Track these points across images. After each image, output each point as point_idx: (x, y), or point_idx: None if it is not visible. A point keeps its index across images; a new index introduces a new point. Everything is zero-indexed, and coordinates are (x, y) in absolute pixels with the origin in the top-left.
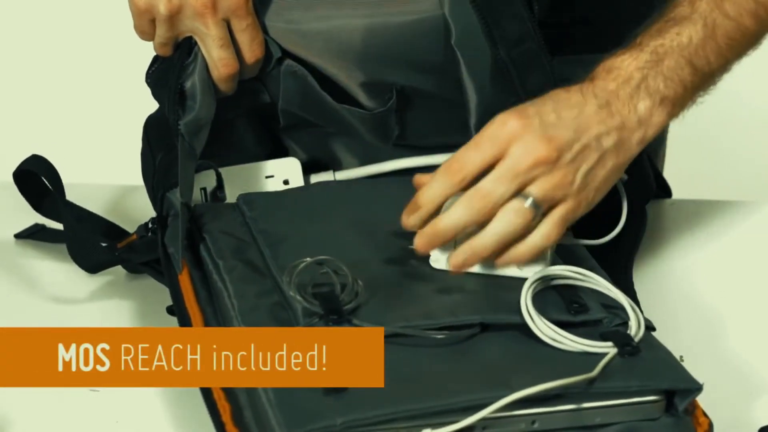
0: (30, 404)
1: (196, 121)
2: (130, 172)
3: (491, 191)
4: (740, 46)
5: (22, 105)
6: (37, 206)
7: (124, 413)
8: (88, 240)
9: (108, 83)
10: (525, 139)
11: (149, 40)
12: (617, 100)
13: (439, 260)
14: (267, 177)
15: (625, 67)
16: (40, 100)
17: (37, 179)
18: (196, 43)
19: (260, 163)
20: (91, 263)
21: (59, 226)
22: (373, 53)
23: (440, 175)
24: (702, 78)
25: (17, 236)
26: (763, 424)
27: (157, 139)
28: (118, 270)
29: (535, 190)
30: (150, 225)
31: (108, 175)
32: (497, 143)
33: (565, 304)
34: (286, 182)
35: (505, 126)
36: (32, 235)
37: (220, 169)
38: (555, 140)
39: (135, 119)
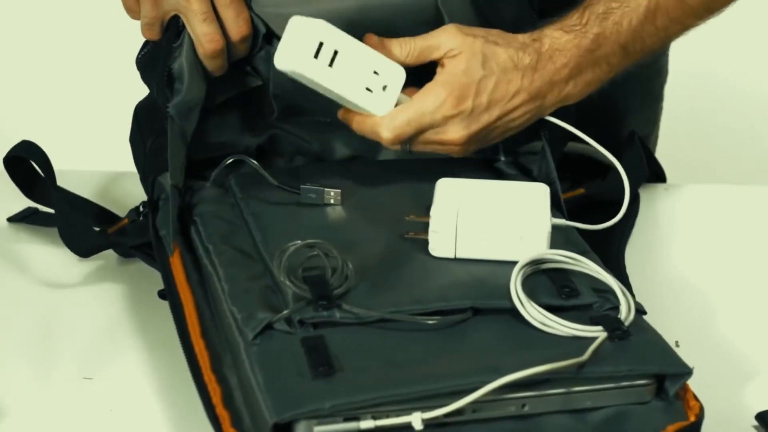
0: (24, 392)
1: (184, 102)
2: (121, 158)
3: None
4: (681, 24)
5: (10, 93)
6: (28, 192)
7: (118, 401)
8: (79, 224)
9: (97, 71)
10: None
11: (136, 18)
12: (550, 88)
13: (437, 249)
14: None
15: (567, 49)
16: (29, 87)
17: (27, 165)
18: (183, 25)
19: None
20: (82, 247)
21: (51, 211)
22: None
23: None
24: (632, 58)
25: (10, 220)
26: (758, 409)
27: (148, 123)
28: (110, 254)
29: None
30: (141, 209)
31: (98, 161)
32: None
33: (555, 288)
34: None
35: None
36: (25, 218)
37: None
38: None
39: (125, 106)
